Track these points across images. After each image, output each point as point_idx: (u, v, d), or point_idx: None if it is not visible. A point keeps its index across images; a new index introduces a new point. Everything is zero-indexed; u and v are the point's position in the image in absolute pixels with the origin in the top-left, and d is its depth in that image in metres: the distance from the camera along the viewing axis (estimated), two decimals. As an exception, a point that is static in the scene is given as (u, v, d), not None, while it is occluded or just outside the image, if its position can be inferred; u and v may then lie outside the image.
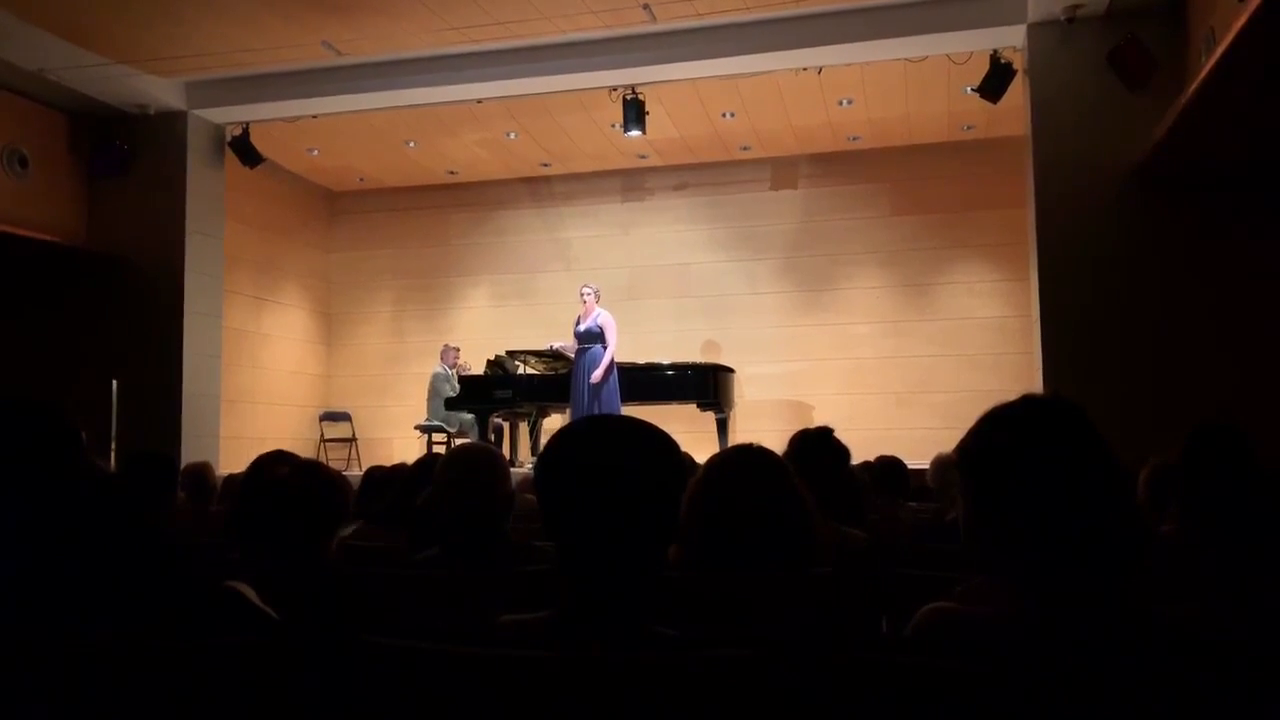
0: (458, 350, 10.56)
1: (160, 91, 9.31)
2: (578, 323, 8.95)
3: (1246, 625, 1.61)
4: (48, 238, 9.08)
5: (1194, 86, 6.08)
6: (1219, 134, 6.65)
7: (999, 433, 1.26)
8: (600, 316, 8.84)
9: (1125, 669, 1.10)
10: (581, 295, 9.01)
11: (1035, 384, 7.71)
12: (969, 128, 10.24)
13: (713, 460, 2.13)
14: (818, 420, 9.65)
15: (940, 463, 4.57)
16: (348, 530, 3.24)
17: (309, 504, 2.38)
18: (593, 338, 8.79)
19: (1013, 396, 1.32)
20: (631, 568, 1.33)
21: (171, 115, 9.57)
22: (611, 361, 8.79)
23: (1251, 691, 1.07)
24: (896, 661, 1.15)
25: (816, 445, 2.95)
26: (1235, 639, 1.24)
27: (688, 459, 3.08)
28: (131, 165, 9.55)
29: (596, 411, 8.28)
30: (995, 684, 1.11)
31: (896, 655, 1.17)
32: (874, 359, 10.83)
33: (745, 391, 10.59)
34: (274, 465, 2.59)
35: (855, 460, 4.38)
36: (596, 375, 8.66)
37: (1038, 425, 1.25)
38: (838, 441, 3.03)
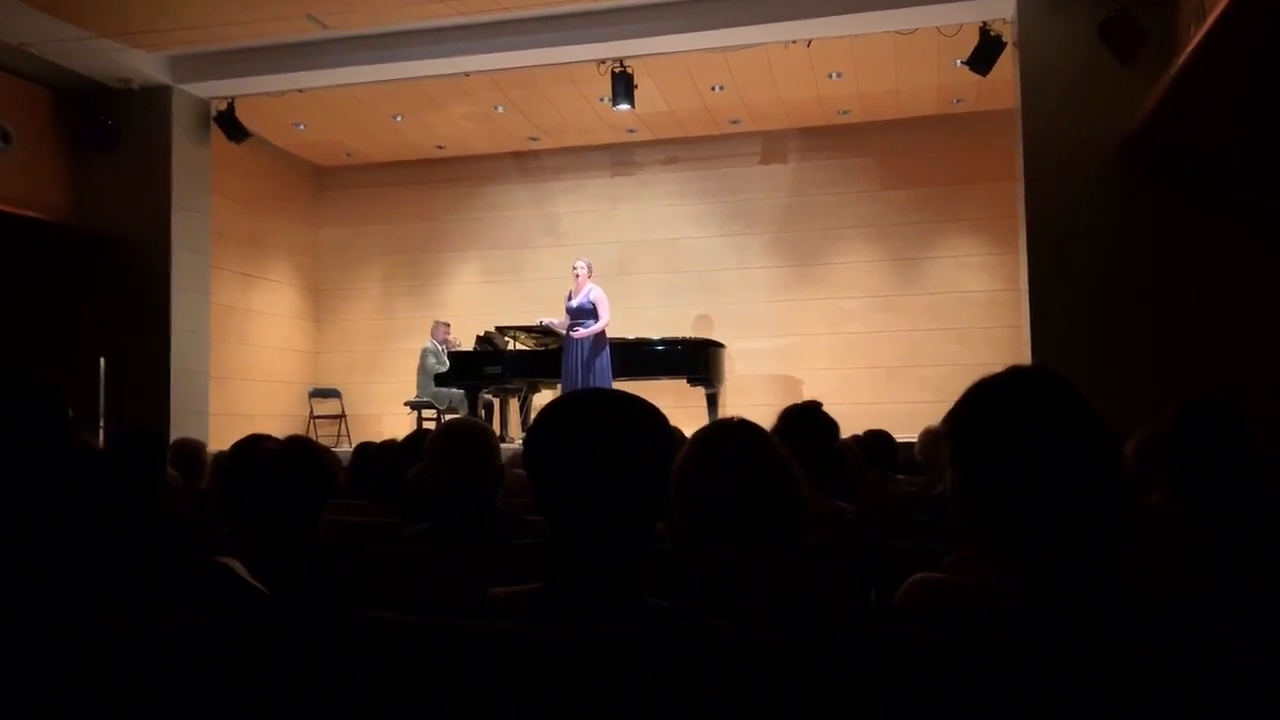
0: (448, 326, 10.53)
1: (144, 66, 9.21)
2: (569, 298, 8.93)
3: (1229, 596, 1.62)
4: (32, 214, 9.00)
5: (1182, 59, 6.07)
6: (1207, 107, 6.65)
7: (985, 402, 1.27)
8: (592, 292, 8.83)
9: (1107, 638, 1.11)
10: (574, 270, 8.99)
11: (1024, 357, 7.74)
12: (959, 101, 10.22)
13: (697, 434, 2.14)
14: (807, 395, 9.67)
15: (928, 436, 4.59)
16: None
17: (299, 478, 2.38)
18: (585, 314, 8.79)
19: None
20: (621, 540, 1.33)
21: (156, 90, 9.48)
22: (603, 334, 8.79)
23: (1232, 661, 1.08)
24: (884, 631, 1.16)
25: (805, 419, 2.96)
26: (1217, 610, 1.25)
27: (677, 433, 3.09)
28: (117, 140, 9.47)
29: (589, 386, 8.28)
30: (979, 653, 1.12)
31: (884, 625, 1.18)
32: (863, 333, 10.85)
33: (735, 366, 10.60)
34: (260, 442, 2.59)
35: (844, 434, 4.40)
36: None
37: (1023, 394, 1.25)
38: (826, 415, 3.04)
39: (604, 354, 8.78)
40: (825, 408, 3.09)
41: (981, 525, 1.25)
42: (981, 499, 1.24)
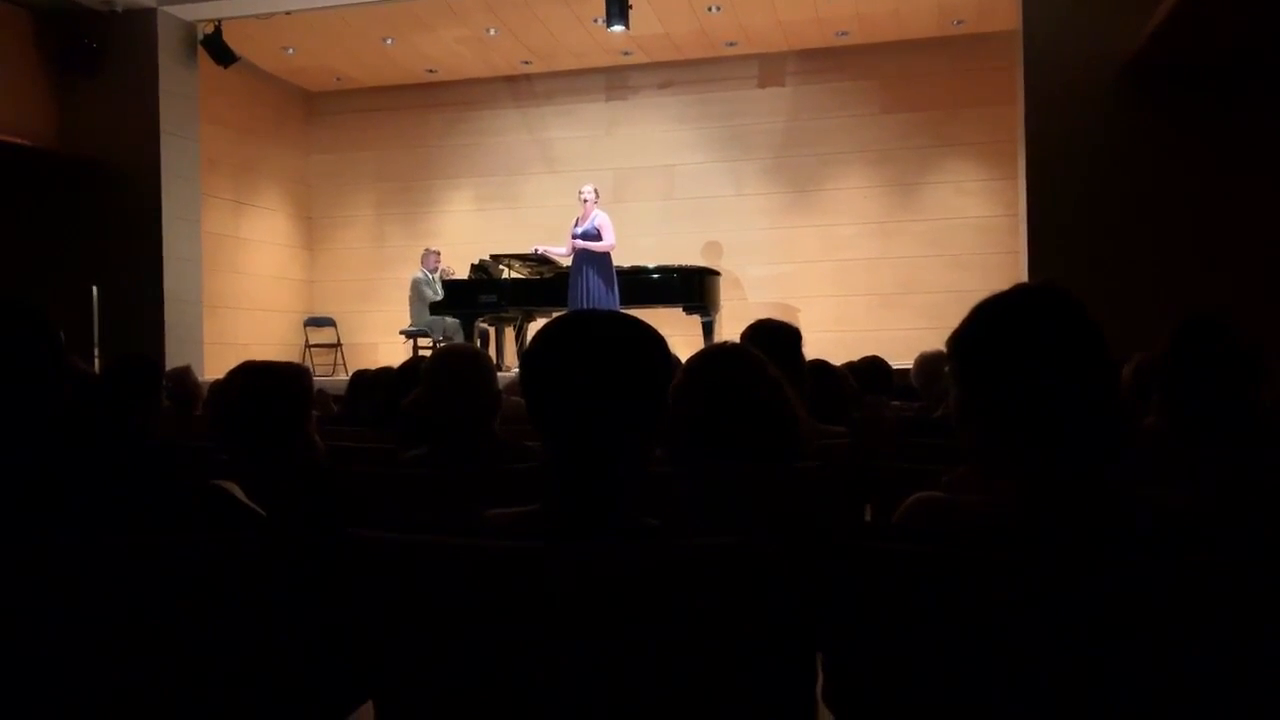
0: (439, 254, 10.45)
1: (127, -13, 9.00)
2: (576, 224, 8.88)
3: (1222, 512, 1.63)
4: (16, 140, 8.85)
5: (1190, -24, 5.96)
6: (1211, 24, 6.53)
7: (991, 319, 1.26)
8: (598, 218, 8.79)
9: (1105, 553, 1.12)
10: (580, 196, 8.91)
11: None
12: (959, 22, 10.02)
13: (693, 359, 2.13)
14: (804, 322, 9.66)
15: (924, 360, 4.59)
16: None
17: (265, 399, 2.39)
18: (590, 239, 8.76)
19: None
20: (618, 460, 1.32)
21: (140, 12, 9.27)
22: (609, 261, 8.75)
23: (1226, 576, 1.09)
24: (883, 547, 1.17)
25: (765, 332, 2.86)
26: (1212, 525, 1.26)
27: (674, 360, 3.06)
28: (101, 64, 9.28)
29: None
30: (980, 567, 1.13)
31: (883, 540, 1.19)
32: (860, 260, 10.79)
33: (731, 294, 10.56)
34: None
35: (839, 361, 4.40)
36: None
37: (1029, 311, 1.25)
38: (786, 325, 2.91)
39: (611, 282, 8.74)
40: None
41: (984, 443, 1.25)
42: (985, 416, 1.24)
